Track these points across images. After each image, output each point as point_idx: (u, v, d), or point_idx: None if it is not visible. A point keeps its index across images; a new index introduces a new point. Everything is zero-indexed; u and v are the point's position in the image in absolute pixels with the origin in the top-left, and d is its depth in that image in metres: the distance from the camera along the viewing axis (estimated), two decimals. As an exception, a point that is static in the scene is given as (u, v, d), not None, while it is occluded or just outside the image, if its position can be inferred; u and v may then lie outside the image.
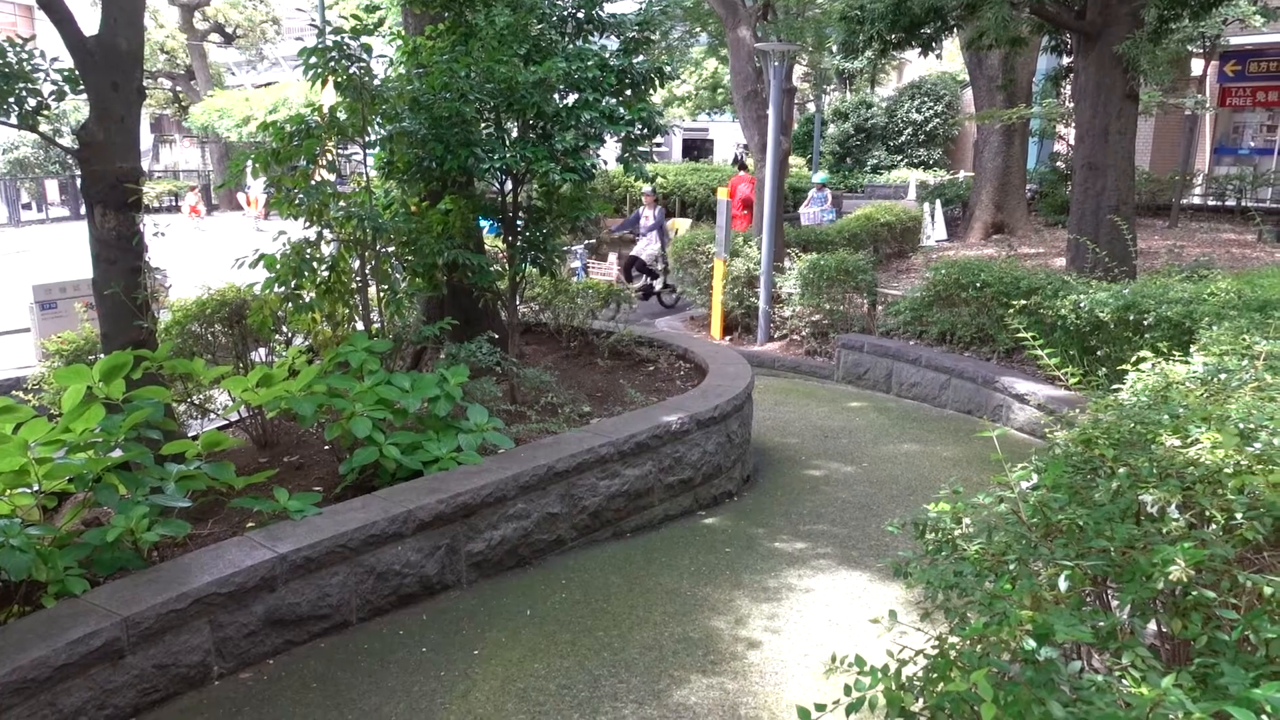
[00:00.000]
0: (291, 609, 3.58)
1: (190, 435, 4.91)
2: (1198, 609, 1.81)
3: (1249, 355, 3.66)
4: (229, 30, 33.87)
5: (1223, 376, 3.16)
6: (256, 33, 34.45)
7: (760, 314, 10.17)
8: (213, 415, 5.63)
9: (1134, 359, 3.54)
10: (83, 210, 4.83)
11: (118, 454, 3.72)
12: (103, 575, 3.47)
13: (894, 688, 1.76)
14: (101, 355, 4.52)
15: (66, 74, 4.55)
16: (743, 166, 17.15)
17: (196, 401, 5.55)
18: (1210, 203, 17.72)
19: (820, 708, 1.77)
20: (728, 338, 10.52)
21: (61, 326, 8.23)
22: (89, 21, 4.45)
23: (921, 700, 1.76)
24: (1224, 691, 1.47)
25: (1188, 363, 3.47)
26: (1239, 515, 1.94)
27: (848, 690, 1.76)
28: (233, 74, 38.59)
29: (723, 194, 10.33)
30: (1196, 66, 16.85)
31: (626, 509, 4.91)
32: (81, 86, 4.49)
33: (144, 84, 4.70)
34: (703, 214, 20.37)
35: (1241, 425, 2.37)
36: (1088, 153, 8.52)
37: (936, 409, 7.78)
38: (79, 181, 4.74)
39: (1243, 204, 16.89)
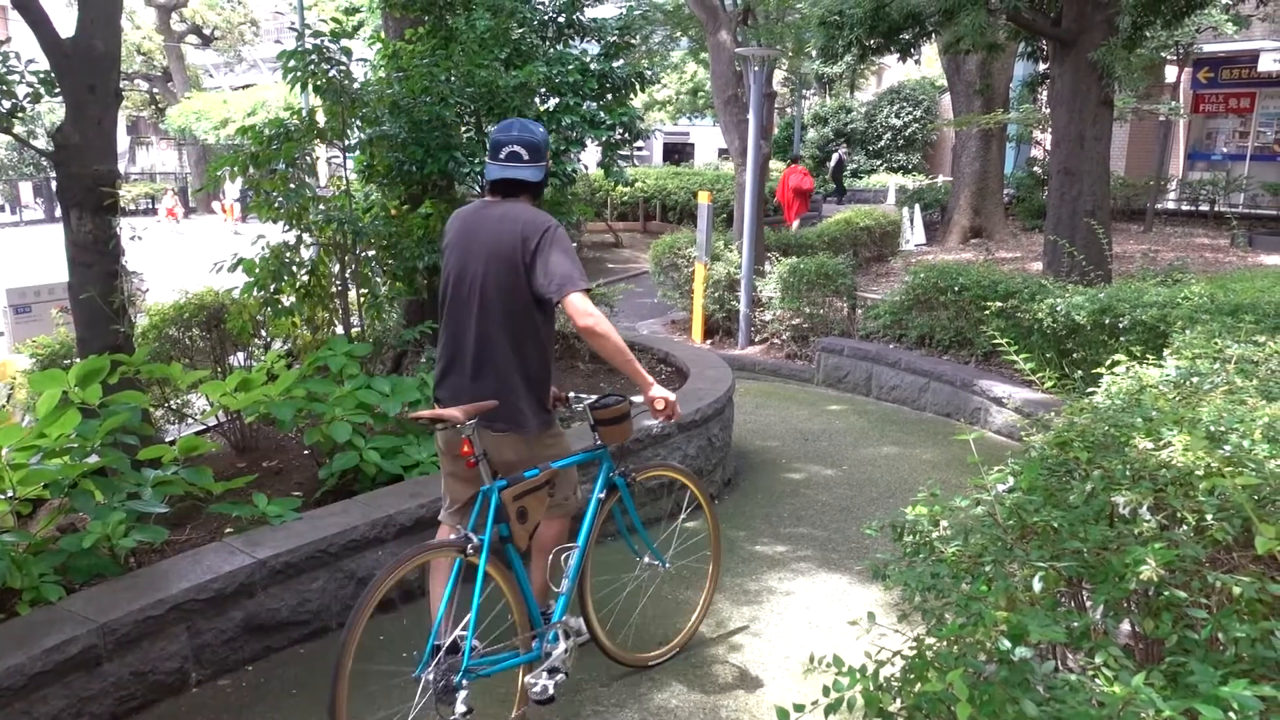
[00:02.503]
0: (271, 615, 3.56)
1: (168, 440, 4.87)
2: (1169, 609, 1.84)
3: (1221, 359, 3.72)
4: (207, 32, 33.64)
5: (1195, 380, 3.21)
6: (234, 34, 34.23)
7: (741, 318, 10.21)
8: (190, 420, 5.58)
9: (1109, 362, 3.59)
10: (58, 213, 4.78)
11: (94, 459, 3.69)
12: (79, 582, 3.44)
13: (872, 688, 1.78)
14: (77, 359, 4.48)
15: (42, 76, 4.51)
16: (796, 159, 18.05)
17: (174, 406, 5.51)
18: (1184, 207, 17.98)
19: (799, 708, 1.79)
20: (708, 341, 10.55)
21: (36, 330, 8.14)
22: (65, 23, 4.42)
23: (899, 700, 1.78)
24: (1194, 690, 1.50)
25: (1161, 366, 3.52)
26: (1209, 516, 1.97)
27: (826, 691, 1.77)
28: (210, 76, 38.32)
29: (703, 198, 10.35)
30: (1170, 73, 17.09)
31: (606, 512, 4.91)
32: (57, 89, 4.45)
33: (121, 86, 4.66)
34: (683, 218, 20.45)
35: (1212, 428, 2.41)
36: (1064, 158, 8.62)
37: (915, 412, 7.84)
38: (54, 184, 4.69)
39: (1216, 209, 17.14)
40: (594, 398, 3.36)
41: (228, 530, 3.99)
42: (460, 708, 2.73)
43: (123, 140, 37.06)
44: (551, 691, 3.01)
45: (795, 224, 15.89)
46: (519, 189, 3.09)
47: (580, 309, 2.91)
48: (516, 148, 3.06)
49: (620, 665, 3.52)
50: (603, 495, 3.41)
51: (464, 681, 2.75)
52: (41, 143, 21.01)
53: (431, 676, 2.72)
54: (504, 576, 2.96)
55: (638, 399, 3.33)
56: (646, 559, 3.68)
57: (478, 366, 3.05)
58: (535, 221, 3.00)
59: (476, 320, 3.03)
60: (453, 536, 3.02)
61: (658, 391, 3.20)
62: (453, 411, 2.83)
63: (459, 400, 3.01)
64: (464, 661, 2.75)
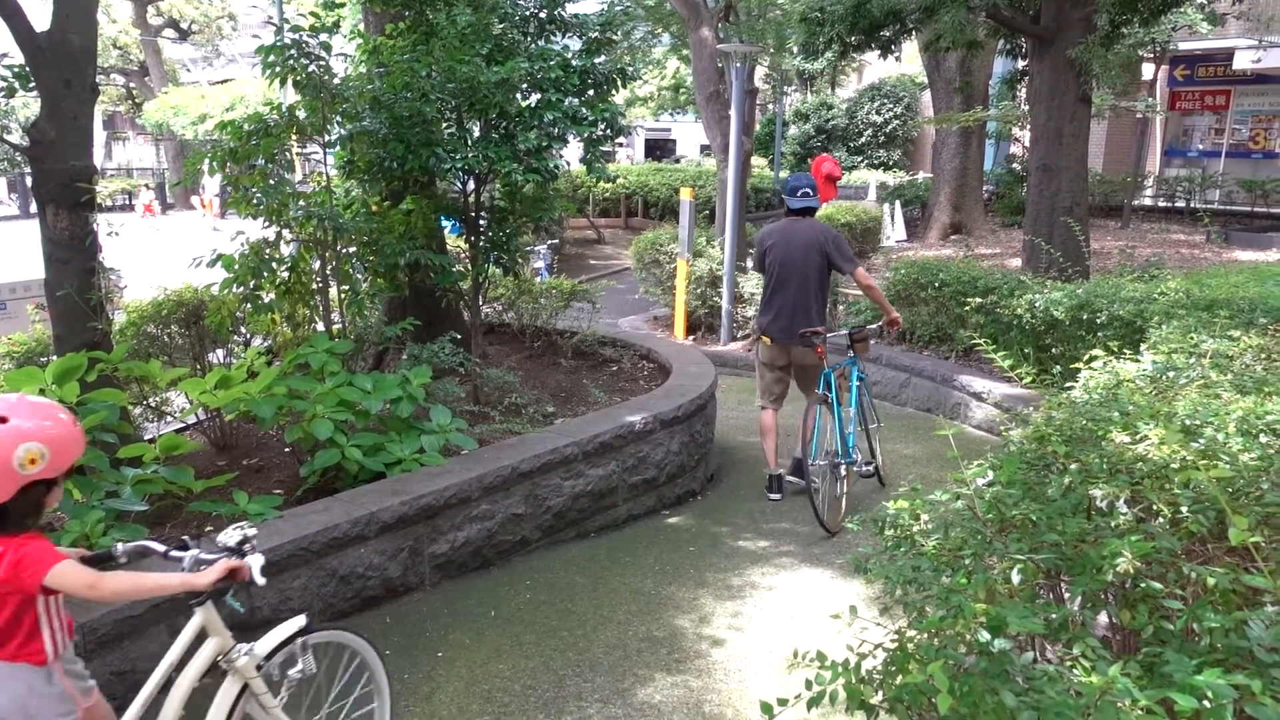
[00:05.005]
0: (252, 613, 3.54)
1: (147, 438, 4.83)
2: (1145, 600, 1.86)
3: (1196, 353, 3.77)
4: (184, 26, 33.26)
5: (1171, 374, 3.25)
6: (212, 28, 33.87)
7: (723, 314, 10.23)
8: (170, 418, 5.54)
9: (1086, 357, 3.63)
10: (34, 209, 4.73)
11: (72, 458, 3.65)
12: (57, 582, 3.41)
13: (854, 681, 1.79)
14: (54, 357, 4.44)
15: (16, 70, 4.44)
16: (826, 149, 21.67)
17: (153, 404, 5.45)
18: (1161, 204, 18.15)
19: (783, 702, 1.80)
20: (691, 337, 10.56)
21: (12, 328, 8.03)
22: (40, 17, 4.36)
23: (881, 693, 1.79)
24: (1169, 679, 1.52)
25: (1138, 361, 3.56)
26: (1184, 509, 2.00)
27: (809, 685, 1.79)
28: (188, 70, 37.88)
29: (685, 194, 10.36)
30: (1147, 71, 17.23)
31: (590, 509, 4.92)
32: (32, 84, 4.39)
33: (97, 81, 4.61)
34: (665, 214, 20.45)
35: (1188, 422, 2.44)
36: (1042, 155, 8.69)
37: (897, 407, 7.88)
38: (30, 180, 4.63)
39: (1192, 205, 17.32)
40: (851, 328, 5.69)
41: (208, 529, 3.96)
42: (842, 472, 5.16)
43: (99, 135, 36.59)
44: (872, 471, 5.59)
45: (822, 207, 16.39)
46: (810, 212, 5.53)
47: (863, 274, 5.42)
48: (807, 189, 5.49)
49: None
50: (857, 384, 5.52)
51: (842, 464, 5.15)
52: (16, 138, 20.77)
53: (823, 462, 5.08)
54: (834, 416, 5.15)
55: (873, 326, 5.69)
56: (873, 426, 5.78)
57: (800, 313, 5.34)
58: (828, 230, 5.45)
59: (799, 287, 5.35)
60: (818, 393, 5.19)
61: (896, 313, 5.62)
62: (820, 329, 5.26)
63: (791, 334, 5.34)
64: (840, 452, 5.13)
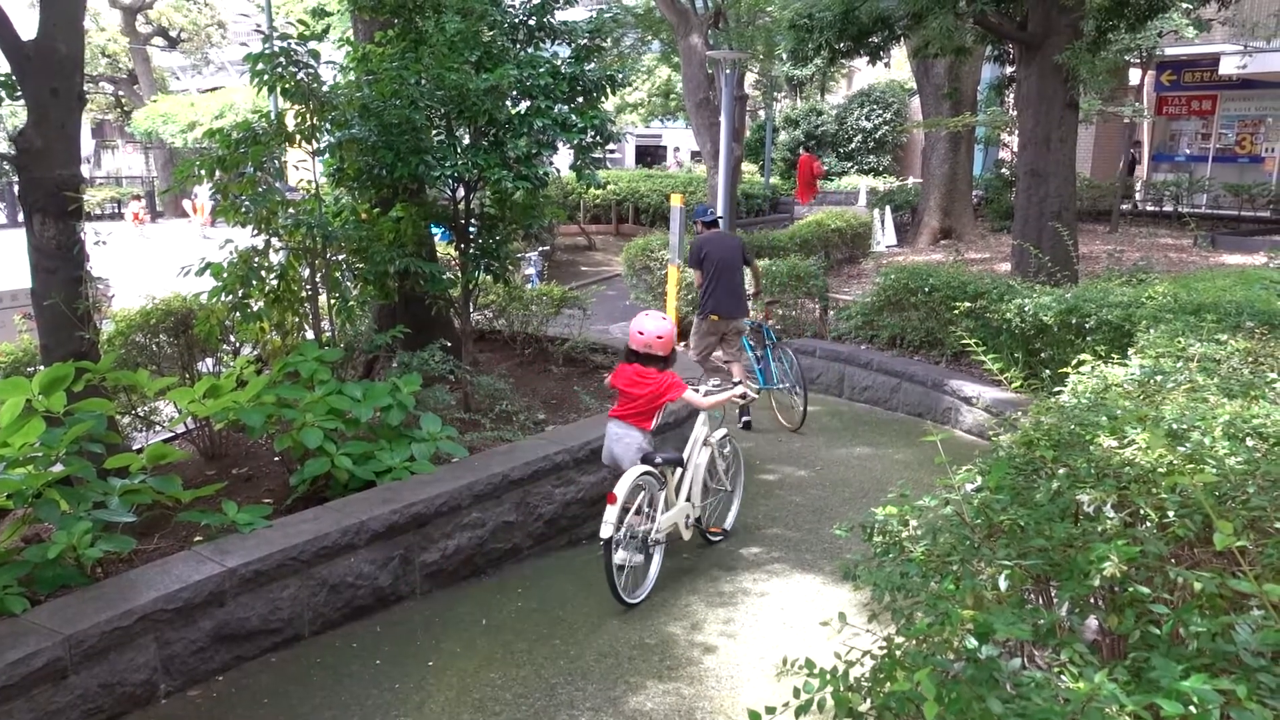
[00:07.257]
0: (241, 624, 3.53)
1: (135, 448, 4.80)
2: (1133, 605, 1.87)
3: (1184, 357, 3.79)
4: (173, 34, 33.14)
5: (1159, 378, 3.26)
6: (201, 36, 33.74)
7: (714, 319, 10.22)
8: (158, 427, 5.51)
9: (1075, 362, 3.64)
10: (21, 218, 4.71)
11: (59, 469, 3.64)
12: (44, 593, 3.39)
13: (842, 689, 1.79)
14: (41, 367, 4.41)
15: (3, 79, 4.44)
16: (808, 149, 22.90)
17: (141, 414, 5.44)
18: (1149, 208, 18.23)
19: (771, 710, 1.80)
20: (681, 343, 10.55)
21: (-1, 338, 7.98)
22: (27, 25, 4.35)
23: (869, 700, 1.79)
24: (1156, 684, 1.52)
25: (1126, 365, 3.57)
26: (1171, 513, 2.01)
27: (797, 693, 1.79)
28: (177, 78, 37.78)
29: (676, 200, 10.36)
30: (1134, 76, 17.32)
31: (582, 516, 4.91)
32: (19, 92, 4.38)
33: (85, 89, 4.59)
34: (656, 220, 20.47)
35: (1174, 426, 2.45)
36: (1030, 160, 8.72)
37: (888, 412, 7.90)
38: (17, 188, 4.62)
39: (1179, 210, 17.40)
40: (764, 301, 7.93)
41: (197, 539, 3.94)
42: (799, 390, 7.26)
43: (87, 144, 36.47)
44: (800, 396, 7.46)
45: (810, 204, 16.94)
46: (718, 224, 7.74)
47: (757, 264, 7.79)
48: (713, 211, 7.93)
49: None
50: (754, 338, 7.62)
51: (797, 385, 7.32)
52: (3, 146, 20.65)
53: (785, 385, 7.39)
54: (785, 358, 7.43)
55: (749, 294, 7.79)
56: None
57: (737, 295, 7.22)
58: (738, 238, 7.97)
59: (731, 276, 7.16)
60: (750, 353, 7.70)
61: (759, 287, 7.93)
62: (758, 315, 7.75)
63: (731, 310, 7.19)
64: (786, 375, 7.39)
